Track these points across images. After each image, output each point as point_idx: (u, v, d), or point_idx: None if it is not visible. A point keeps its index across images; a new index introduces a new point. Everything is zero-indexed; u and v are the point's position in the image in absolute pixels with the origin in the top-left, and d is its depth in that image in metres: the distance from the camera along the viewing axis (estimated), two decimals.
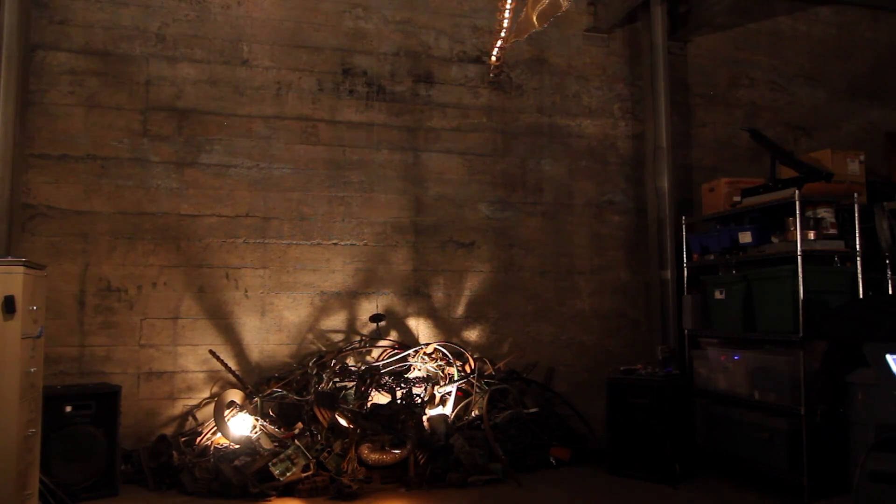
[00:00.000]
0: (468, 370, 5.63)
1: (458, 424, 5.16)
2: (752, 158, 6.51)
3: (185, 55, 5.60)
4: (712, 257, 5.66)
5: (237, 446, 4.81)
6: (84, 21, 5.41)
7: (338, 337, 5.71)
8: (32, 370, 3.69)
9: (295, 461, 4.62)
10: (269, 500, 4.48)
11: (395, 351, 5.67)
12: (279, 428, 4.95)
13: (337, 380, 5.32)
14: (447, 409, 5.32)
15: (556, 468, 5.35)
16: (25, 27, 5.15)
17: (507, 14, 4.48)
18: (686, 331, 5.85)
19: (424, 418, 5.15)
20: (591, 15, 6.55)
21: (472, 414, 5.31)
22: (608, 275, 6.41)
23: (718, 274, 5.55)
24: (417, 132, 6.06)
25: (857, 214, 4.91)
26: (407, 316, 5.91)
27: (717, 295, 5.42)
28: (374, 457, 4.77)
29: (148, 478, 4.74)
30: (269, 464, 4.56)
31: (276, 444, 4.81)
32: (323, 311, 5.71)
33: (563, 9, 4.07)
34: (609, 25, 6.54)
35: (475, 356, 5.87)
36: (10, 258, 3.70)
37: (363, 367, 5.46)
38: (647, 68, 6.37)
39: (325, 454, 4.75)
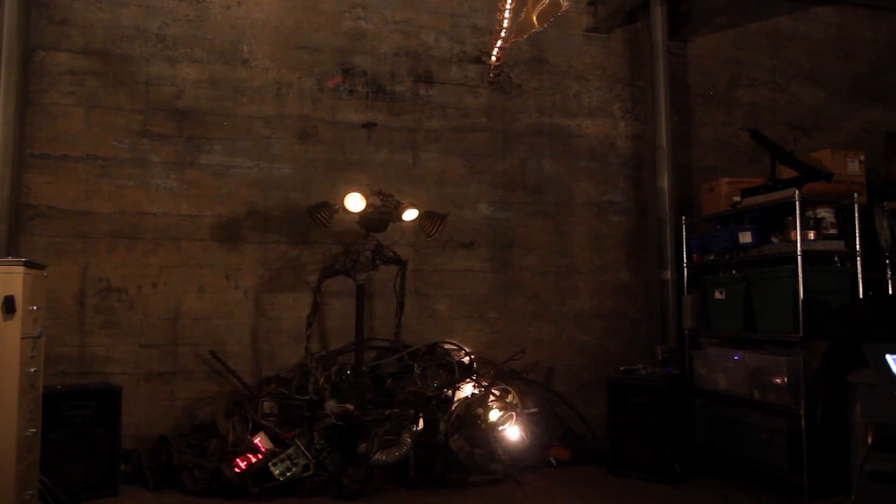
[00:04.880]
0: (468, 370, 5.62)
1: (458, 424, 5.15)
2: (752, 158, 6.50)
3: (185, 55, 5.60)
4: (712, 257, 5.66)
5: (238, 446, 4.81)
6: (84, 21, 5.41)
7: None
8: (32, 370, 3.69)
9: (295, 461, 4.62)
10: (270, 500, 4.48)
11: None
12: (279, 428, 4.94)
13: (337, 379, 5.31)
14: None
15: (556, 468, 5.36)
16: (25, 27, 5.15)
17: (507, 14, 4.47)
18: (686, 331, 5.85)
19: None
20: (591, 15, 6.54)
21: (473, 414, 5.30)
22: (608, 275, 6.41)
23: (718, 274, 5.55)
24: (417, 132, 6.05)
25: (857, 214, 4.91)
26: (407, 316, 5.89)
27: (717, 295, 5.42)
28: (374, 456, 4.76)
29: (148, 478, 4.74)
30: (269, 464, 4.56)
31: (276, 444, 4.80)
32: (322, 311, 5.70)
33: (563, 9, 4.06)
34: (609, 25, 6.54)
35: (475, 356, 5.87)
36: (10, 258, 3.70)
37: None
38: (647, 68, 6.37)
39: (325, 454, 4.75)
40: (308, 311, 5.40)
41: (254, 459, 4.60)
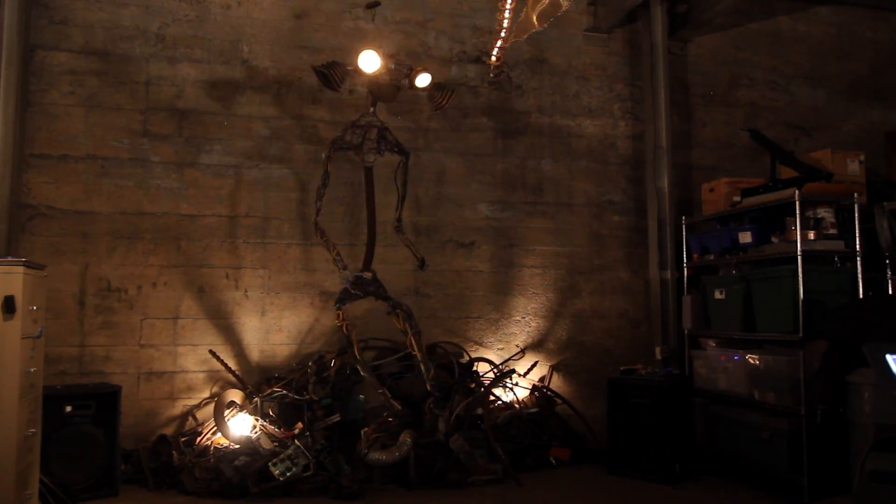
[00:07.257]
0: (468, 370, 5.62)
1: (457, 424, 5.15)
2: (752, 158, 6.50)
3: (185, 55, 5.60)
4: (712, 257, 5.66)
5: (237, 446, 4.81)
6: (84, 21, 5.41)
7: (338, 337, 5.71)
8: (32, 370, 3.69)
9: (295, 461, 4.62)
10: (270, 500, 4.48)
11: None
12: (279, 428, 4.95)
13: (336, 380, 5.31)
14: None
15: (556, 468, 5.36)
16: (25, 27, 5.15)
17: (507, 14, 4.48)
18: (686, 331, 5.85)
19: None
20: (591, 15, 6.55)
21: (473, 414, 5.31)
22: (608, 275, 6.41)
23: (718, 274, 5.55)
24: (417, 132, 6.05)
25: (857, 214, 4.91)
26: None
27: (717, 295, 5.42)
28: (374, 456, 4.77)
29: (148, 478, 4.74)
30: (270, 464, 4.56)
31: (276, 444, 4.81)
32: (323, 311, 5.71)
33: (563, 9, 4.07)
34: (609, 25, 6.54)
35: (475, 356, 5.88)
36: (10, 258, 3.70)
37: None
38: (647, 68, 6.37)
39: (325, 454, 4.75)
40: (319, 183, 5.32)
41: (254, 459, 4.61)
